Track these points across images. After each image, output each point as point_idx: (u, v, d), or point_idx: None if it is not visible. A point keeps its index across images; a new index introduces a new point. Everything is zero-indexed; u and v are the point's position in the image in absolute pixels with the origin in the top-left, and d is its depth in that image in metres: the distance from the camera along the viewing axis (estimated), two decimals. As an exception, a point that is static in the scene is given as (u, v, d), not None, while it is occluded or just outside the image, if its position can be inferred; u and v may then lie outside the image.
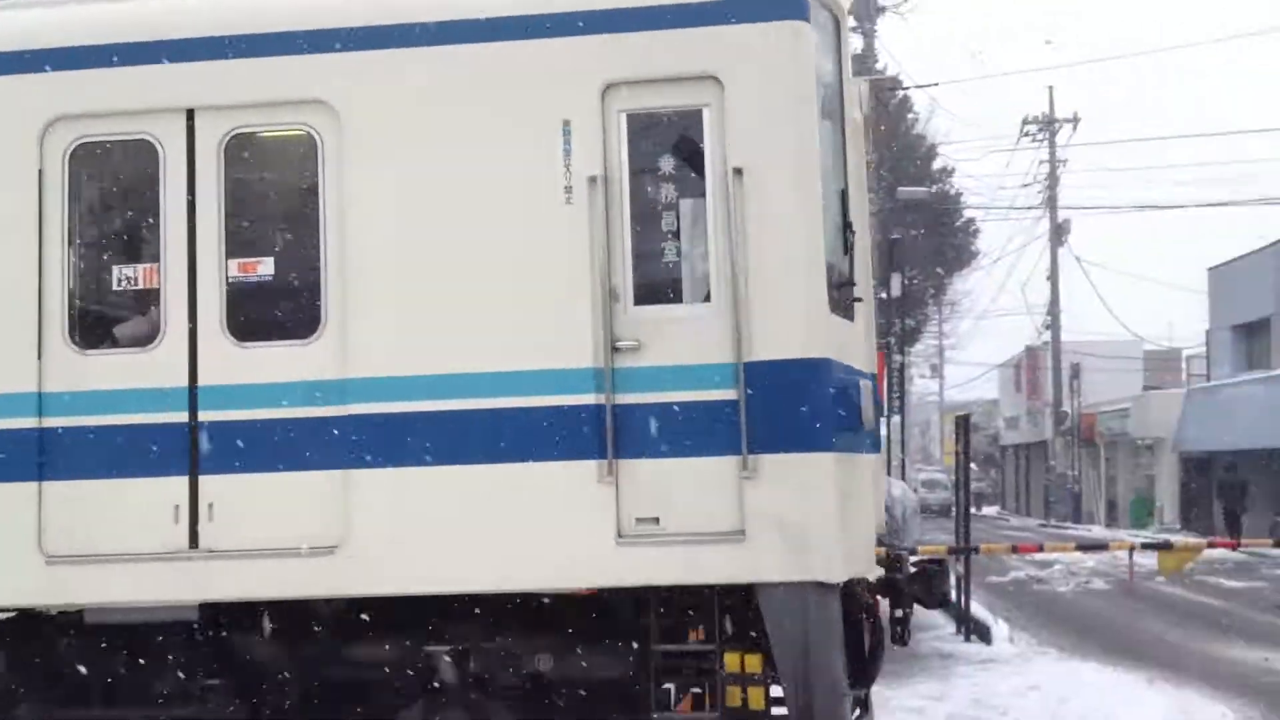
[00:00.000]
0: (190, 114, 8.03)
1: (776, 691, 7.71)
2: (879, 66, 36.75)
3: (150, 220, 8.09)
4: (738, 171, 7.53)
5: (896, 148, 44.19)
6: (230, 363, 7.91)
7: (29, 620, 8.21)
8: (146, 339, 8.04)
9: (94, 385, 7.99)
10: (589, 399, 7.60)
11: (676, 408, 7.59)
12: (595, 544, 7.52)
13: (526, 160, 7.73)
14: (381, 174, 7.83)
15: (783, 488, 7.43)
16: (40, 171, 8.04)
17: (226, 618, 8.03)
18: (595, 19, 7.72)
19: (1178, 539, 34.90)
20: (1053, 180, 58.06)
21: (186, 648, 8.09)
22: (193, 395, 7.91)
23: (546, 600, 7.91)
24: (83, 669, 8.11)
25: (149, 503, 7.88)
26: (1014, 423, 72.59)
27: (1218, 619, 20.10)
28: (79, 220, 8.16)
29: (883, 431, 13.09)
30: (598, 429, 7.55)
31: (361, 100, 7.86)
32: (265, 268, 8.04)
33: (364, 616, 7.95)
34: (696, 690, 8.08)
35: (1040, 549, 26.34)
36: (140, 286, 8.12)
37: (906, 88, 40.45)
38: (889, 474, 15.80)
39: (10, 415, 7.97)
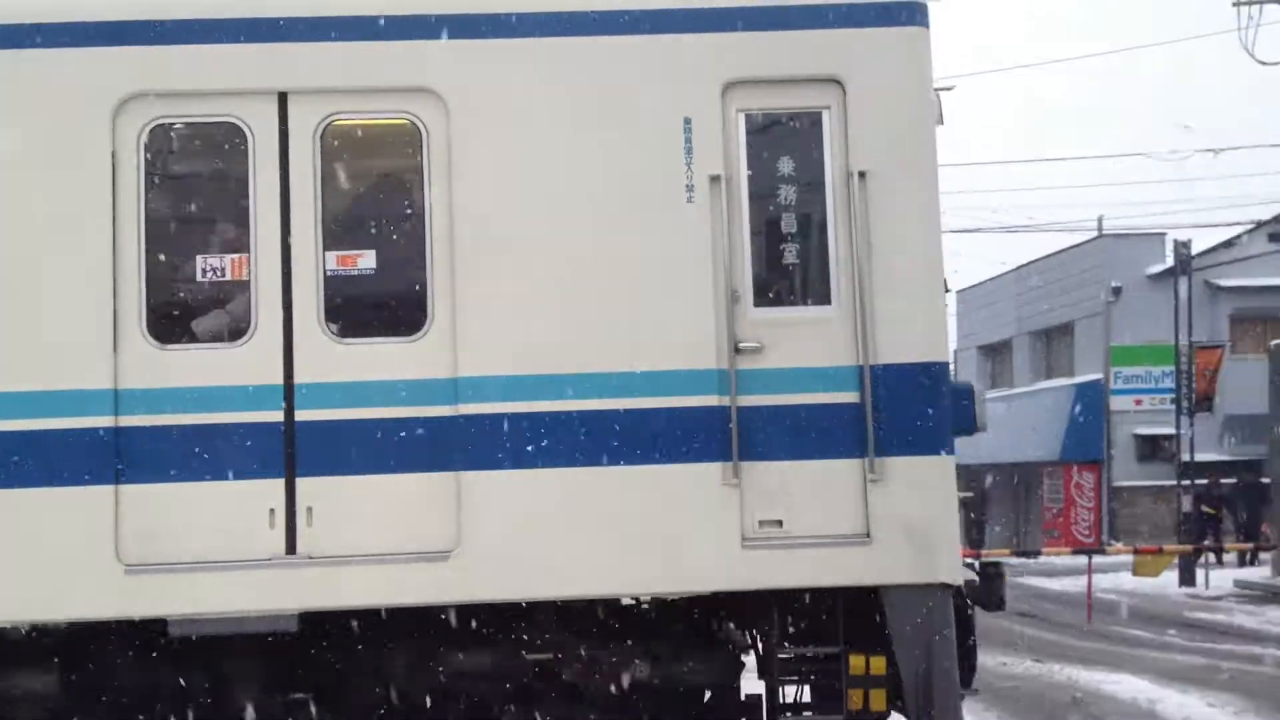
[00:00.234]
0: (283, 97, 7.62)
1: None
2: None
3: (238, 209, 7.62)
4: (861, 175, 7.55)
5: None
6: (329, 359, 7.52)
7: (86, 633, 7.64)
8: (233, 333, 7.59)
9: (176, 382, 7.48)
10: (712, 400, 7.51)
11: (797, 410, 7.57)
12: (721, 547, 7.44)
13: (647, 157, 7.59)
14: (492, 167, 7.57)
15: (908, 490, 7.49)
16: (113, 153, 7.51)
17: (311, 628, 7.63)
18: (718, 16, 7.65)
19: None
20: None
21: (271, 659, 7.67)
22: (289, 393, 7.49)
23: (646, 604, 7.79)
24: (155, 684, 7.61)
25: (240, 507, 7.43)
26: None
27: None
28: (156, 206, 7.63)
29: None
30: (722, 431, 7.46)
31: (472, 90, 7.58)
32: (366, 261, 7.67)
33: (466, 623, 7.67)
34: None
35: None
36: (227, 278, 7.64)
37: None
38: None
39: (82, 414, 7.40)
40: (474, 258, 7.52)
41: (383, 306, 7.72)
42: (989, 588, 9.03)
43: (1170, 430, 33.57)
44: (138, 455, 7.41)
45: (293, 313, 7.52)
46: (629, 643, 7.81)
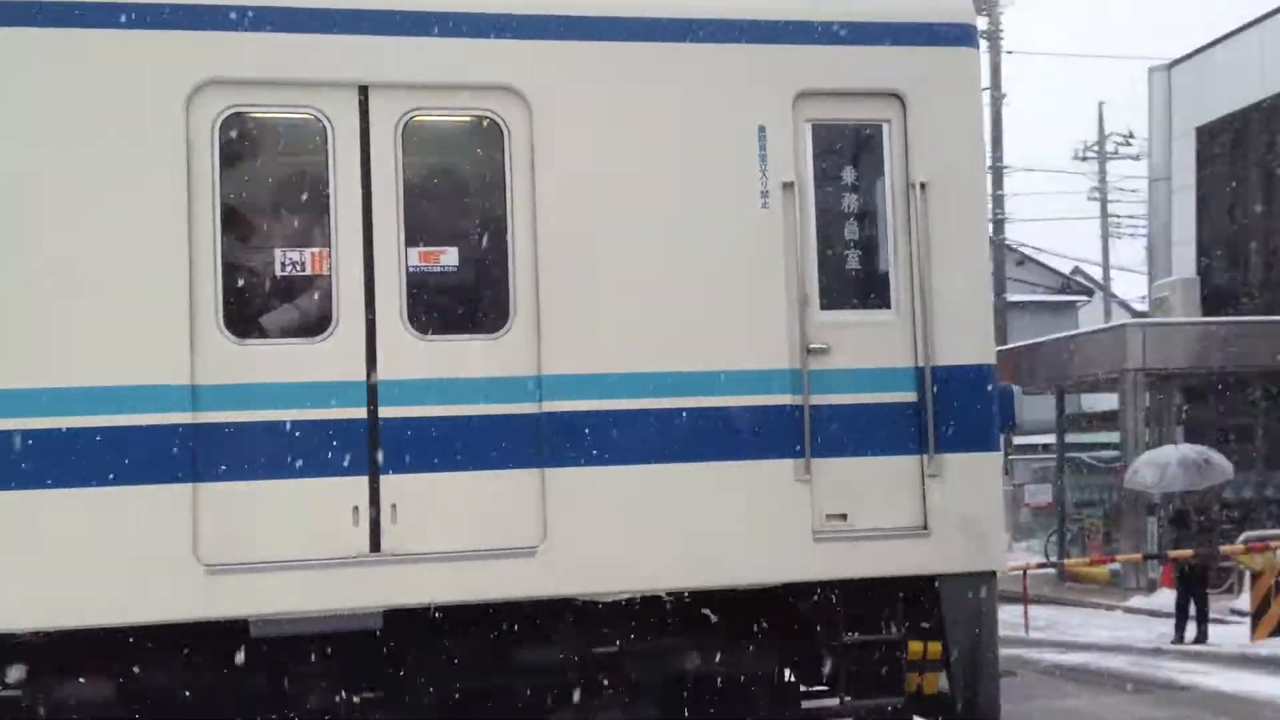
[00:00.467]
0: (364, 91, 7.53)
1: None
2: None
3: (316, 202, 7.49)
4: (922, 185, 7.96)
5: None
6: (412, 356, 7.48)
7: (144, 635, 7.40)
8: (310, 328, 7.47)
9: (255, 378, 7.32)
10: (785, 399, 7.81)
11: (860, 409, 7.94)
12: (794, 540, 7.75)
13: (724, 162, 7.82)
14: (574, 168, 7.66)
15: (962, 484, 7.95)
16: (188, 141, 7.29)
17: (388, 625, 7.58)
18: (792, 29, 7.92)
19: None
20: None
21: (349, 657, 7.60)
22: (371, 390, 7.43)
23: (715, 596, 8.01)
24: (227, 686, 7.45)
25: (323, 505, 7.33)
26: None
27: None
28: (232, 198, 7.43)
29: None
30: (795, 429, 7.77)
31: (555, 90, 7.66)
32: (448, 258, 7.65)
33: (536, 617, 7.77)
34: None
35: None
36: (307, 272, 7.51)
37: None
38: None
39: (158, 410, 7.17)
40: (556, 257, 7.60)
41: (465, 303, 7.73)
42: None
43: None
44: (216, 452, 7.22)
45: (375, 309, 7.46)
46: (708, 633, 8.03)
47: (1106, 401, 29.24)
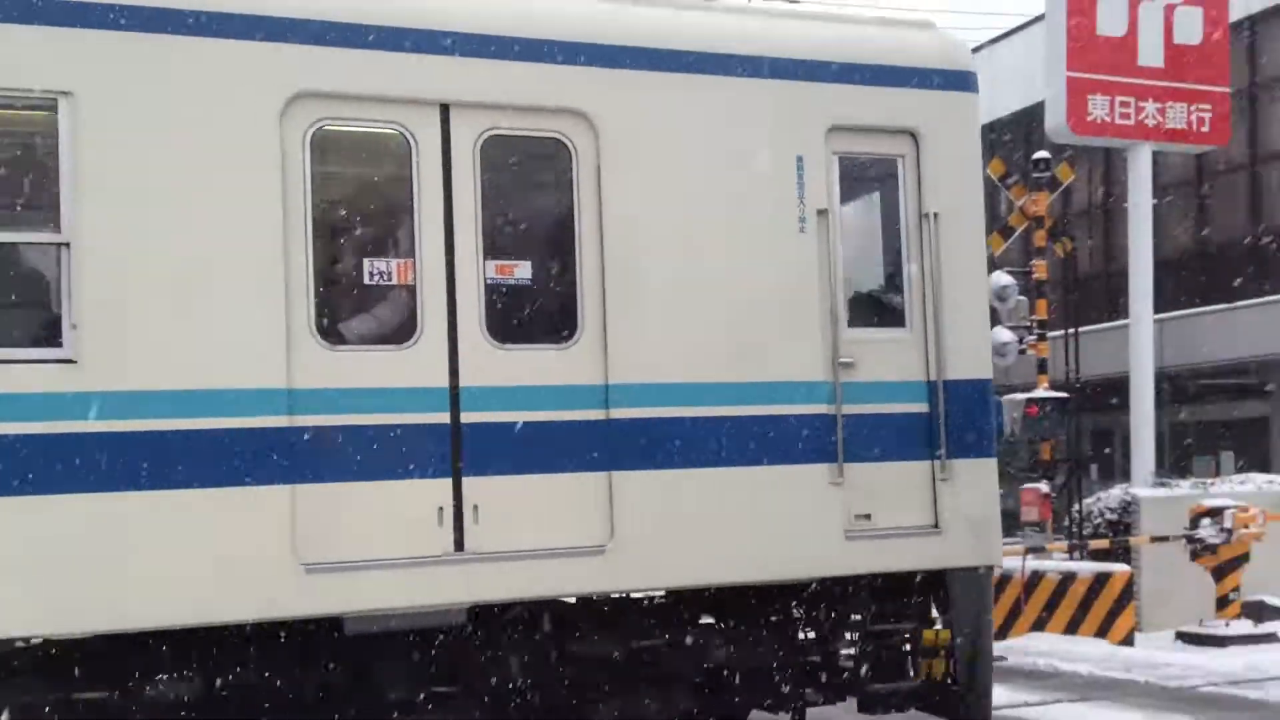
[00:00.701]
0: (445, 109, 7.86)
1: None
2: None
3: (402, 214, 7.78)
4: (934, 216, 8.79)
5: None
6: (490, 364, 7.84)
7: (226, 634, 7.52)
8: (396, 336, 7.75)
9: (346, 382, 7.55)
10: (820, 409, 8.49)
11: (880, 418, 8.69)
12: (829, 539, 8.44)
13: (768, 188, 8.46)
14: (636, 189, 8.16)
15: (968, 487, 8.80)
16: (282, 153, 7.48)
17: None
18: (826, 69, 8.63)
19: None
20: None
21: (428, 651, 7.89)
22: (454, 396, 7.76)
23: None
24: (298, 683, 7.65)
25: (412, 506, 7.62)
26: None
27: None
28: (322, 208, 7.64)
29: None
30: (830, 436, 8.47)
31: (620, 115, 8.14)
32: (522, 271, 8.03)
33: (598, 612, 8.25)
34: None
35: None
36: (393, 282, 7.77)
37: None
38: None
39: (259, 413, 7.33)
40: (620, 272, 8.08)
41: (538, 315, 8.12)
42: None
43: None
44: (311, 454, 7.43)
45: (457, 318, 7.79)
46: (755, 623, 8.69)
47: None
